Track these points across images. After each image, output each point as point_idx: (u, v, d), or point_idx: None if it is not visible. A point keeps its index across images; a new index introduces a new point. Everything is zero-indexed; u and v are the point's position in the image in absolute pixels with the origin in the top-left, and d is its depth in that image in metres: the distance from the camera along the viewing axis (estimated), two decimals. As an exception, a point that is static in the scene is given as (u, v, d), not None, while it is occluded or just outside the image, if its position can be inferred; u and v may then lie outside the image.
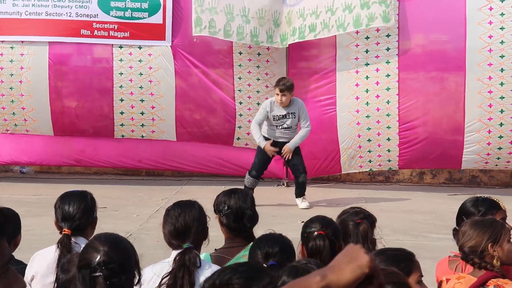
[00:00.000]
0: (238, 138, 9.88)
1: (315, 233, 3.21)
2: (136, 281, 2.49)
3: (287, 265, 2.55)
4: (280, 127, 8.54)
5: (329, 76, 9.58)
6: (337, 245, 3.24)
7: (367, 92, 9.44)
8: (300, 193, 8.64)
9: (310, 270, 2.47)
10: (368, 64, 9.43)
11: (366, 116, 9.49)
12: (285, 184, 9.96)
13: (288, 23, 9.44)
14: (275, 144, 8.49)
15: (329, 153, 9.68)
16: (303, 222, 3.41)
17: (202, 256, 3.38)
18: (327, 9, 9.22)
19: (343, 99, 9.53)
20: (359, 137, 9.56)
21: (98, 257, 2.38)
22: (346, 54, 9.45)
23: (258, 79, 9.70)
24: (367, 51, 9.43)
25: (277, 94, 8.42)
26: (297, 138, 8.52)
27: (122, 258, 2.44)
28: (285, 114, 8.48)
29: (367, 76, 9.46)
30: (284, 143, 8.50)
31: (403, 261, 2.71)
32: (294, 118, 8.52)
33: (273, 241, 2.99)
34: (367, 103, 9.46)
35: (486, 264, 3.12)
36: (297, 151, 8.56)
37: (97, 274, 2.37)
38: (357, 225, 3.63)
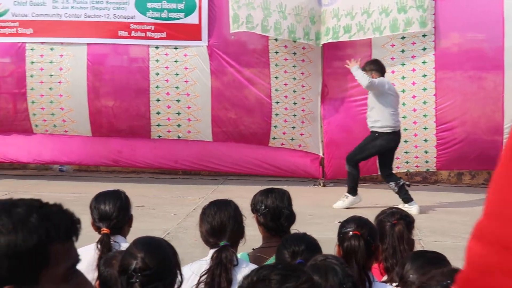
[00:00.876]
0: (274, 138, 9.90)
1: (350, 233, 3.22)
2: (177, 284, 2.52)
3: None
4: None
5: (366, 76, 9.53)
6: (373, 246, 3.25)
7: (403, 92, 9.38)
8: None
9: (329, 265, 2.50)
10: (404, 64, 9.38)
11: (403, 117, 9.42)
12: (322, 184, 9.95)
13: (322, 22, 9.43)
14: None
15: (365, 153, 9.63)
16: (339, 222, 3.43)
17: (239, 255, 3.42)
18: (363, 11, 9.19)
19: (379, 99, 9.48)
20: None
21: (135, 263, 2.43)
22: (381, 54, 9.41)
23: (294, 79, 9.70)
24: (403, 51, 9.37)
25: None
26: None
27: (159, 265, 2.46)
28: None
29: (403, 76, 9.40)
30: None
31: (439, 264, 2.71)
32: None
33: (299, 240, 3.06)
34: (403, 104, 9.39)
35: None
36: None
37: (133, 280, 2.41)
38: (393, 226, 3.64)
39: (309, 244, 3.06)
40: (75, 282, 1.31)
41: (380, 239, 3.45)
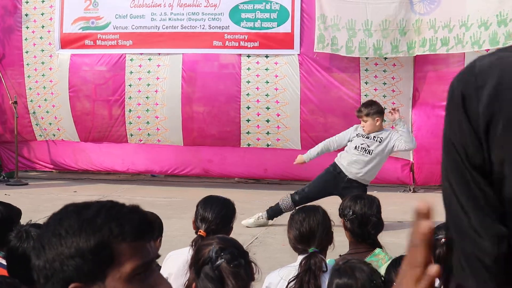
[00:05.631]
0: (364, 143, 9.78)
1: (442, 240, 3.14)
2: (256, 270, 2.56)
3: None
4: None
5: (458, 80, 9.30)
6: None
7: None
8: None
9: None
10: (500, 67, 9.08)
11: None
12: (412, 189, 9.77)
13: (417, 32, 9.22)
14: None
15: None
16: (430, 229, 3.34)
17: (328, 261, 3.39)
18: (461, 24, 8.93)
19: (473, 104, 9.22)
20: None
21: (213, 247, 2.46)
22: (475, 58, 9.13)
23: (384, 83, 9.57)
24: (498, 54, 9.08)
25: (362, 120, 7.54)
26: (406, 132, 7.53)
27: (235, 243, 2.56)
28: (373, 136, 7.50)
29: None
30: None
31: None
32: (381, 142, 7.48)
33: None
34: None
35: None
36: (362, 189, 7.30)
37: (219, 261, 2.43)
38: None
39: None
40: (147, 282, 1.32)
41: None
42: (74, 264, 1.30)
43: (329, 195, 7.41)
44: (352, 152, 7.53)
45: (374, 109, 7.51)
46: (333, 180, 7.51)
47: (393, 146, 7.51)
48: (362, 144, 7.49)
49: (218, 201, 3.65)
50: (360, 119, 7.55)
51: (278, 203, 7.69)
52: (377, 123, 7.48)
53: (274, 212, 7.69)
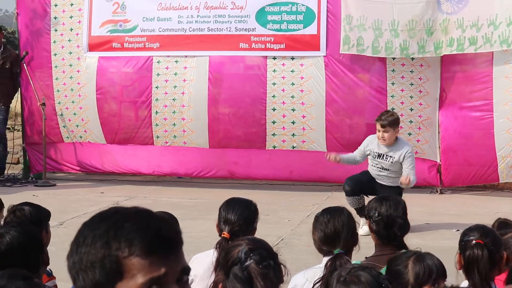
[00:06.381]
0: (390, 145, 9.73)
1: (474, 241, 3.11)
2: (285, 273, 2.56)
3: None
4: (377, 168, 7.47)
5: (486, 81, 9.22)
6: (497, 256, 3.12)
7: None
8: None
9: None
10: (528, 68, 8.99)
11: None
12: (439, 191, 9.70)
13: (444, 31, 9.15)
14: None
15: (485, 160, 9.30)
16: (458, 230, 3.32)
17: (353, 263, 3.38)
18: (489, 23, 8.86)
19: (501, 105, 9.13)
20: (518, 144, 9.13)
21: (243, 247, 2.46)
22: (504, 58, 9.06)
23: (411, 84, 9.52)
24: (526, 54, 8.99)
25: (378, 130, 7.36)
26: (412, 180, 7.20)
27: (264, 245, 2.56)
28: (383, 155, 7.38)
29: (526, 81, 9.01)
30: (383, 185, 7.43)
31: None
32: (393, 162, 7.33)
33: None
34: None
35: None
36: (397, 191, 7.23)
37: (248, 262, 2.43)
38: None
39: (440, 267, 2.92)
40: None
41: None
42: (84, 276, 1.35)
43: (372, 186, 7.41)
44: (372, 169, 7.52)
45: (395, 118, 7.34)
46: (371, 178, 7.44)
47: (404, 161, 7.28)
48: (377, 164, 7.43)
49: (240, 203, 3.68)
50: (378, 130, 7.33)
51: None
52: (396, 134, 7.36)
53: (357, 211, 7.30)
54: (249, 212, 3.64)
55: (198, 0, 10.01)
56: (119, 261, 1.32)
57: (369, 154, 7.44)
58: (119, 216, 1.38)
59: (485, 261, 3.05)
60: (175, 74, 10.15)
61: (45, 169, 10.61)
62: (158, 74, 10.21)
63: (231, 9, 9.89)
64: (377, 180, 7.47)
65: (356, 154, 7.62)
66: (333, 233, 3.30)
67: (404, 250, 3.53)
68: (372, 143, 7.44)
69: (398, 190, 7.24)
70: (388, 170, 7.36)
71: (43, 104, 10.43)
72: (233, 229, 3.54)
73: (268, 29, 9.80)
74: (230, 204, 3.66)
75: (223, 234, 3.54)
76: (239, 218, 3.57)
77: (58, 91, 10.68)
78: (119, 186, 10.38)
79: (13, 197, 7.46)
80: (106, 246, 1.33)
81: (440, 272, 2.69)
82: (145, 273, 1.33)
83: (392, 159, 7.30)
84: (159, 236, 1.36)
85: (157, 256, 1.35)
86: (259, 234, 3.67)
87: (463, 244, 3.15)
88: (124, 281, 1.32)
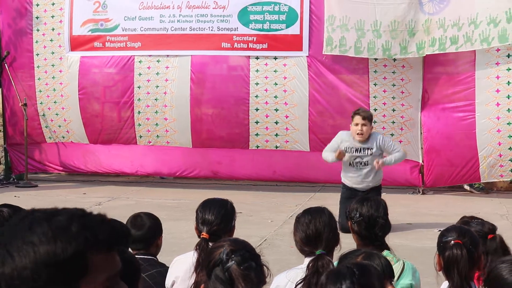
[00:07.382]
0: (373, 145, 9.76)
1: (452, 242, 3.12)
2: (267, 274, 2.55)
3: None
4: (357, 166, 7.47)
5: (468, 82, 9.28)
6: (476, 255, 3.14)
7: (508, 98, 9.07)
8: None
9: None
10: (510, 69, 9.06)
11: (508, 123, 9.11)
12: (421, 191, 9.74)
13: (426, 32, 9.20)
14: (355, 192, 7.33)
15: (467, 160, 9.36)
16: (440, 230, 3.33)
17: (335, 263, 3.38)
18: (470, 22, 8.93)
19: (483, 106, 9.20)
20: (499, 145, 9.19)
21: (224, 249, 2.46)
22: (486, 59, 9.12)
23: (393, 85, 9.56)
24: (508, 56, 9.06)
25: (356, 124, 7.42)
26: (394, 157, 7.42)
27: (247, 246, 2.55)
28: (360, 148, 7.43)
29: (508, 82, 9.09)
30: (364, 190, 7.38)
31: None
32: (372, 154, 7.40)
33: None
34: (508, 110, 9.08)
35: None
36: (378, 191, 7.42)
37: (230, 263, 2.43)
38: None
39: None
40: None
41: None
42: (47, 273, 1.25)
43: None
44: (350, 170, 7.50)
45: (371, 114, 7.53)
46: (353, 194, 7.32)
47: (385, 146, 7.44)
48: (356, 159, 7.45)
49: (216, 203, 3.69)
50: (356, 124, 7.39)
51: None
52: (371, 130, 7.49)
53: None
54: (225, 211, 3.64)
55: (180, -1, 9.99)
56: (87, 256, 1.27)
57: (346, 151, 7.44)
58: (70, 212, 1.33)
59: (464, 261, 3.06)
60: (157, 73, 10.11)
61: (26, 170, 10.54)
62: (140, 74, 10.18)
63: (213, 8, 9.88)
64: (358, 188, 7.45)
65: (330, 152, 7.57)
66: (314, 234, 3.30)
67: (386, 251, 3.54)
68: (347, 141, 7.47)
69: (377, 191, 7.33)
70: (368, 164, 7.41)
71: (25, 104, 10.36)
72: (211, 229, 3.54)
73: (251, 28, 9.80)
74: (206, 205, 3.66)
75: (202, 234, 3.53)
76: (216, 218, 3.57)
77: (40, 91, 10.62)
78: (102, 187, 10.33)
79: (-6, 198, 7.40)
80: (72, 241, 1.26)
81: (386, 272, 2.70)
82: (109, 269, 1.30)
83: (371, 151, 7.40)
84: (116, 231, 1.34)
85: (114, 252, 1.33)
86: (242, 234, 3.66)
87: (442, 245, 3.16)
88: (89, 277, 1.28)
